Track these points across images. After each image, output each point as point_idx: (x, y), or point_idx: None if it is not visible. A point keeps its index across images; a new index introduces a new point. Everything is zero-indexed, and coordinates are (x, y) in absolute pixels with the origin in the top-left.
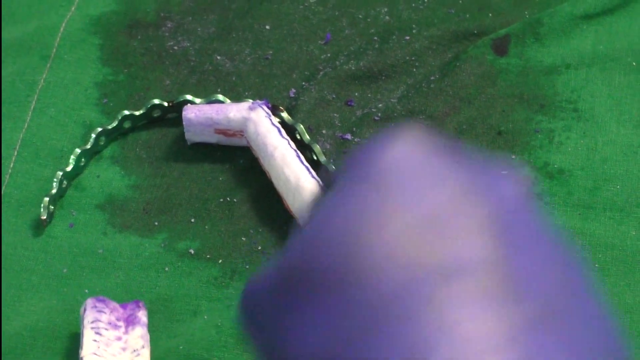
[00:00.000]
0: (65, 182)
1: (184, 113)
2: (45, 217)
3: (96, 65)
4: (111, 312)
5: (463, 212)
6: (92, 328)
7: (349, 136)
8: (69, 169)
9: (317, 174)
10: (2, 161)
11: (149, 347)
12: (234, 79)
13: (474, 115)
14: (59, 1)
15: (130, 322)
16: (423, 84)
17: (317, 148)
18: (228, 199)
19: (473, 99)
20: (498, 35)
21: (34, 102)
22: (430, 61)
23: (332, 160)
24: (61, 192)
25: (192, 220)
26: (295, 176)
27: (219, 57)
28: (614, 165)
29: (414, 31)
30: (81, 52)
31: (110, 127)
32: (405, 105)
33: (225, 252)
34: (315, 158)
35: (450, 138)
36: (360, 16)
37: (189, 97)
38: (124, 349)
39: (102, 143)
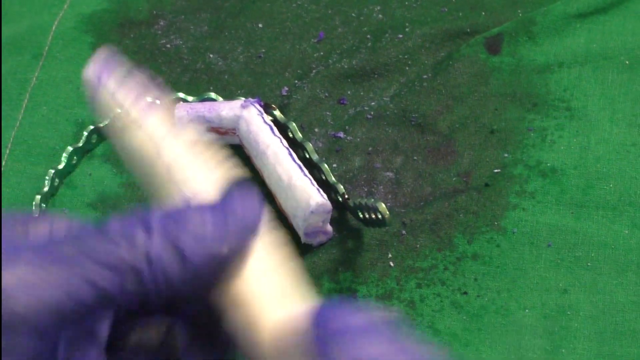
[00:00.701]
0: (57, 180)
1: (175, 111)
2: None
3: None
4: None
5: None
6: None
7: (341, 134)
8: (61, 167)
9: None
10: None
11: None
12: (226, 77)
13: (466, 113)
14: (52, 0)
15: None
16: (416, 83)
17: (309, 146)
18: None
19: (466, 98)
20: (491, 33)
21: (26, 101)
22: (423, 60)
23: (324, 159)
24: (53, 190)
25: None
26: (287, 174)
27: (211, 56)
28: (606, 164)
29: (407, 29)
30: (73, 50)
31: (102, 125)
32: (398, 103)
33: None
34: (307, 156)
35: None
36: (353, 14)
37: (181, 95)
38: None
39: (94, 141)
